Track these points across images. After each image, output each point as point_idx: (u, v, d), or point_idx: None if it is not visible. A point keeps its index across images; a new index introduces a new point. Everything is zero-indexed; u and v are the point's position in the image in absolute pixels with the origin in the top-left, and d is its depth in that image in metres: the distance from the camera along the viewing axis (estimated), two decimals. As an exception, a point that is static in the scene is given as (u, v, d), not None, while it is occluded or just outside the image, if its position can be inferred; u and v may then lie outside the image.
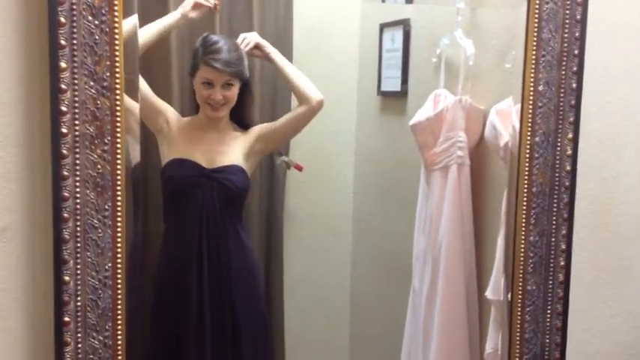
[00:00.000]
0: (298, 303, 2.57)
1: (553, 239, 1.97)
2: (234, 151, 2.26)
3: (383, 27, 2.63)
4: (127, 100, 1.64)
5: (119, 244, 1.62)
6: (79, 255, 1.58)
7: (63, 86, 1.53)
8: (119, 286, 1.63)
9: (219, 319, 2.22)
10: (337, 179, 2.67)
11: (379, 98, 2.68)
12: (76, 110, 1.55)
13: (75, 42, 1.54)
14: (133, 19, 1.70)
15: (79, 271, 1.59)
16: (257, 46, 2.27)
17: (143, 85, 2.12)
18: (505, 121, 2.13)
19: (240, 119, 2.30)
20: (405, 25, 2.54)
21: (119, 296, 1.64)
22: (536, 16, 1.88)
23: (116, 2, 1.57)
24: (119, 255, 1.63)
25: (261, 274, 2.40)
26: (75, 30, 1.53)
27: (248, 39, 2.26)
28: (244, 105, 2.29)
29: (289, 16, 2.45)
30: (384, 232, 2.70)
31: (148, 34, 2.10)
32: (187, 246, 2.20)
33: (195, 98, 2.24)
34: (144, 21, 2.12)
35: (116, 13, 1.57)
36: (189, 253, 2.20)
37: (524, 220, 1.95)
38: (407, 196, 2.52)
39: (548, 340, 2.00)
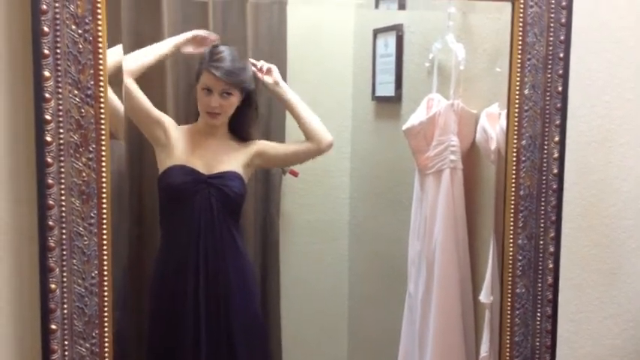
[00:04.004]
0: (295, 308, 2.58)
1: (541, 242, 1.97)
2: (231, 159, 2.28)
3: (376, 33, 2.63)
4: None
5: (105, 252, 1.63)
6: (64, 263, 1.59)
7: (47, 95, 1.55)
8: (105, 293, 1.64)
9: (216, 323, 2.23)
10: (333, 184, 2.67)
11: (374, 103, 2.68)
12: (60, 119, 1.56)
13: (58, 51, 1.55)
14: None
15: (65, 279, 1.60)
16: (269, 72, 2.29)
17: (140, 95, 2.14)
18: (495, 124, 2.13)
19: (237, 131, 2.31)
20: (397, 30, 2.54)
21: (105, 303, 1.64)
22: (521, 19, 1.88)
23: (99, 11, 1.58)
24: (105, 262, 1.63)
25: (256, 279, 2.41)
26: (58, 39, 1.55)
27: (266, 65, 2.29)
28: (243, 117, 2.30)
29: (283, 22, 2.45)
30: (380, 237, 2.70)
31: (144, 58, 2.14)
32: (184, 251, 2.21)
33: (197, 105, 2.25)
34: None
35: (99, 22, 1.58)
36: (187, 258, 2.21)
37: (512, 223, 1.95)
38: (403, 201, 2.52)
39: (538, 343, 2.00)
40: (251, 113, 2.32)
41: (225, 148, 2.28)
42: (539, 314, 2.00)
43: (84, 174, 1.59)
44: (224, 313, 2.24)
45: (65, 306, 1.61)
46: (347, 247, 2.71)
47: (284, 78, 2.35)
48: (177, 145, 2.22)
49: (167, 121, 2.23)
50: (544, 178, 1.94)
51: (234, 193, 2.24)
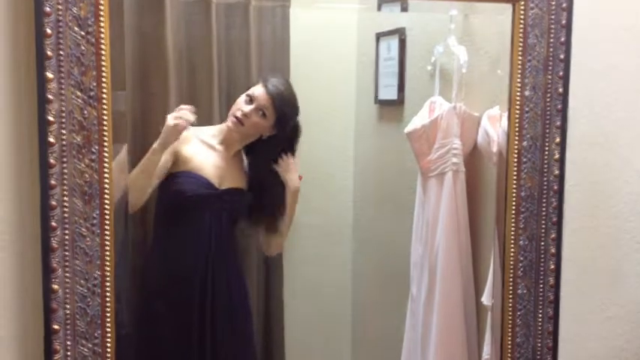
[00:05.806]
0: (299, 310, 2.59)
1: (543, 243, 1.96)
2: (239, 176, 2.31)
3: (379, 36, 2.64)
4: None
5: (107, 252, 1.63)
6: (67, 263, 1.60)
7: (50, 96, 1.55)
8: (108, 293, 1.64)
9: (220, 329, 2.24)
10: (336, 188, 2.68)
11: (377, 107, 2.70)
12: (63, 120, 1.57)
13: (61, 53, 1.56)
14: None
15: (67, 280, 1.60)
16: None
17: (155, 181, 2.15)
18: (497, 126, 2.14)
19: (249, 154, 2.35)
20: (400, 33, 2.55)
21: (108, 304, 1.65)
22: (522, 21, 1.89)
23: (102, 13, 1.59)
24: (107, 263, 1.64)
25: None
26: (61, 41, 1.55)
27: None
28: (262, 146, 2.34)
29: (286, 26, 2.47)
30: (383, 240, 2.71)
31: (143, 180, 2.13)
32: (192, 262, 2.22)
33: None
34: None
35: (102, 24, 1.59)
36: (194, 270, 2.22)
37: (513, 225, 1.95)
38: (406, 204, 2.53)
39: (540, 344, 2.00)
40: (271, 147, 2.34)
41: (235, 164, 2.31)
42: (540, 315, 1.99)
43: (86, 175, 1.60)
44: (229, 324, 2.27)
45: (67, 306, 1.61)
46: (350, 250, 2.72)
47: (287, 81, 2.38)
48: (190, 152, 2.22)
49: (176, 149, 2.19)
50: (545, 179, 1.94)
51: (243, 208, 2.30)
